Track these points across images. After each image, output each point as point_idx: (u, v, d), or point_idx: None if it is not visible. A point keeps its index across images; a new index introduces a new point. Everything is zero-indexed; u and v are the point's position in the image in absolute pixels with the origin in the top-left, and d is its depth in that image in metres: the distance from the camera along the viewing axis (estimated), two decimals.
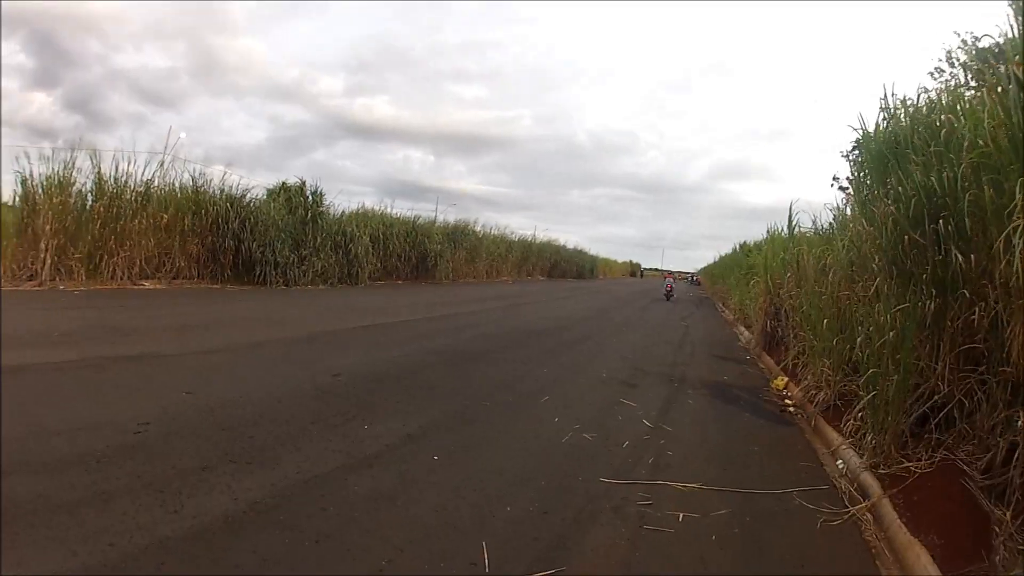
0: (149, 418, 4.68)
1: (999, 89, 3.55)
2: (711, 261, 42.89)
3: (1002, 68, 3.42)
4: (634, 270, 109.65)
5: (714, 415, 6.60)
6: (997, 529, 3.13)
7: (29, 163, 14.02)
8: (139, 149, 16.33)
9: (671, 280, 43.09)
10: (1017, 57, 3.37)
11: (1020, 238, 3.15)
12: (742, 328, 15.85)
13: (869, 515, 3.90)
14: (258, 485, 3.62)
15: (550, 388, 7.03)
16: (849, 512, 3.95)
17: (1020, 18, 3.65)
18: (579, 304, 22.77)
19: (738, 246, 22.20)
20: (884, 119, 5.45)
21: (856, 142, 6.50)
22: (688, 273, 69.61)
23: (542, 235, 50.14)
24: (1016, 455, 3.25)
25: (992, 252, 3.59)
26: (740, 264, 18.64)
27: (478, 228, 34.50)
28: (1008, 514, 3.13)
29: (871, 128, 5.63)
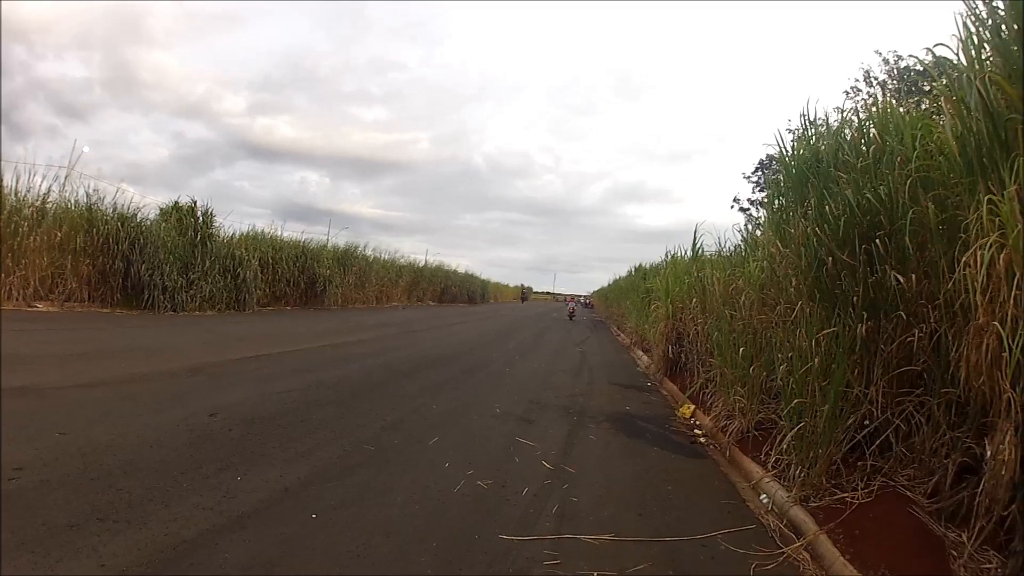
0: (23, 463, 4.33)
1: (954, 100, 3.42)
2: (605, 284, 44.08)
3: (965, 77, 3.28)
4: (524, 294, 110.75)
5: (620, 451, 6.24)
6: (955, 552, 3.00)
7: None
8: (43, 162, 15.50)
9: (572, 304, 45.88)
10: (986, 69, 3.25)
11: (974, 254, 3.01)
12: (639, 352, 15.87)
13: (806, 554, 3.65)
14: (125, 549, 3.25)
15: (441, 427, 6.51)
16: (783, 552, 3.68)
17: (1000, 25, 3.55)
18: (472, 330, 22.35)
19: (634, 269, 22.49)
20: (800, 137, 5.40)
21: (761, 163, 6.50)
22: (580, 296, 70.80)
23: (433, 259, 49.97)
24: (982, 477, 3.08)
25: (936, 271, 3.47)
26: (637, 288, 18.80)
27: (368, 252, 33.78)
28: (965, 535, 3.00)
29: (787, 147, 5.58)
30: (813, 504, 4.02)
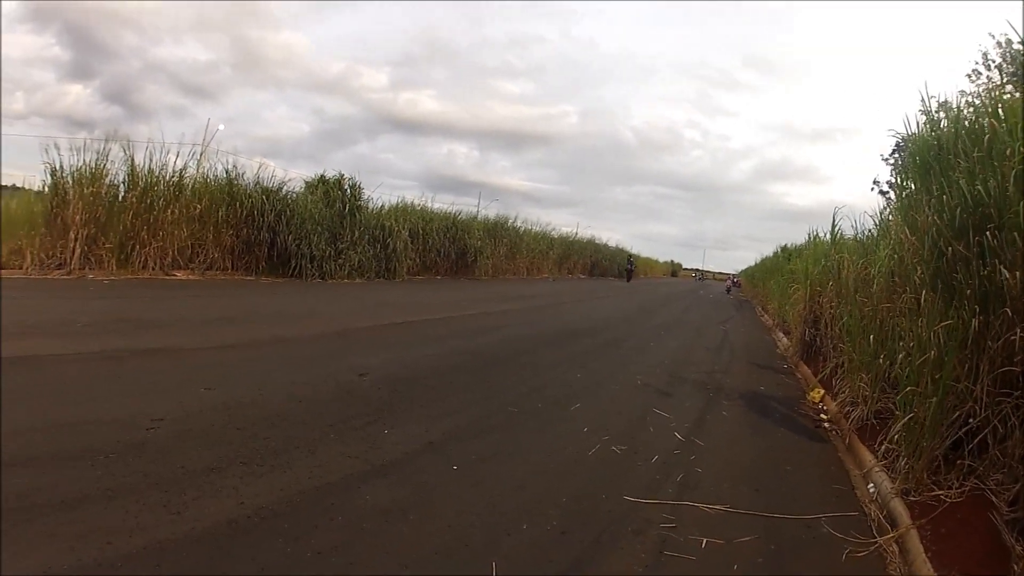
0: (163, 414, 4.64)
1: None
2: (752, 263, 42.51)
3: None
4: (674, 270, 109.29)
5: (748, 429, 6.35)
6: (1016, 567, 2.96)
7: (59, 154, 14.01)
8: (179, 140, 16.07)
9: (729, 281, 52.18)
10: None
11: None
12: (780, 334, 15.46)
13: (896, 547, 3.69)
14: (266, 490, 3.55)
15: (582, 394, 6.81)
16: (876, 543, 3.74)
17: None
18: (619, 304, 22.54)
19: (779, 249, 21.74)
20: (927, 121, 5.22)
21: (896, 145, 6.24)
22: (729, 274, 68.89)
23: (584, 232, 49.88)
24: None
25: None
26: (781, 269, 18.24)
27: (519, 224, 34.15)
28: None
29: (916, 130, 5.40)
30: (912, 498, 4.00)
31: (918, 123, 5.38)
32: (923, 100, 5.29)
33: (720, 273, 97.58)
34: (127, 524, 3.02)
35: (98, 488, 3.36)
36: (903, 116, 5.61)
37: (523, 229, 34.67)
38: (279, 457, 4.08)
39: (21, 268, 12.99)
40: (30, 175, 16.88)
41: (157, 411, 4.69)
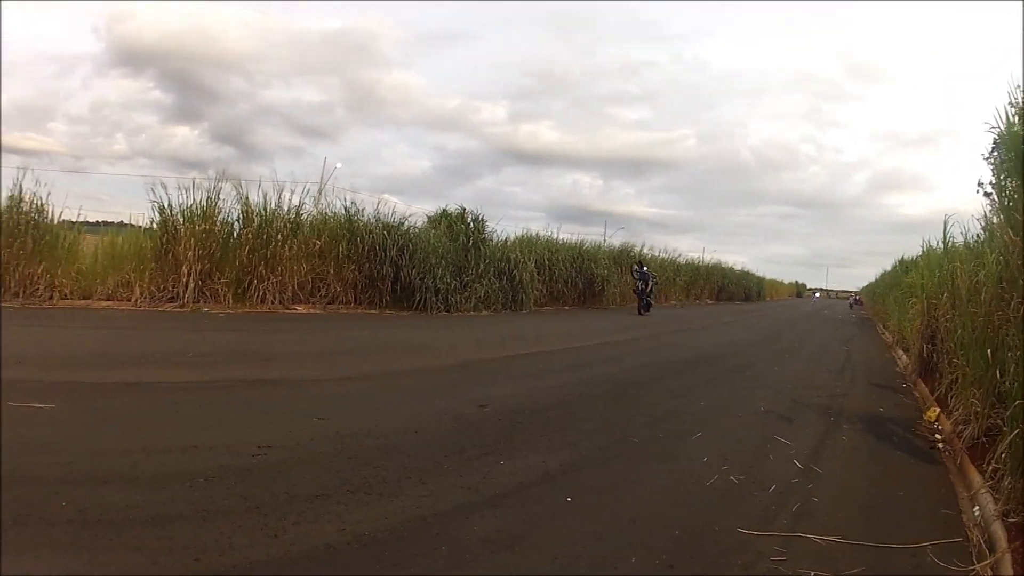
0: (272, 442, 4.78)
1: None
2: (872, 279, 40.62)
3: None
4: (799, 291, 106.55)
5: (866, 454, 6.11)
6: None
7: (167, 192, 14.89)
8: (296, 179, 17.29)
9: (852, 298, 48.96)
10: None
11: None
12: (900, 351, 14.64)
13: (990, 571, 3.48)
14: (371, 517, 3.62)
15: (704, 422, 6.73)
16: (973, 569, 3.55)
17: None
18: (744, 329, 22.10)
19: (897, 263, 20.69)
20: (1015, 115, 4.92)
21: (994, 142, 5.87)
22: (850, 292, 66.23)
23: (709, 256, 48.86)
24: None
25: None
26: (899, 283, 17.34)
27: (645, 251, 33.80)
28: None
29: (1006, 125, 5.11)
30: (1012, 519, 3.79)
31: (1007, 115, 5.09)
32: (1009, 92, 5.00)
33: (843, 291, 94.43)
34: (219, 543, 3.14)
35: (193, 508, 3.52)
36: (994, 110, 5.27)
37: (649, 256, 34.17)
38: (388, 486, 4.16)
39: (130, 300, 13.89)
40: (136, 212, 17.78)
41: (266, 439, 4.85)
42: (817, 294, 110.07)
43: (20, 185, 13.89)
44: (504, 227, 25.87)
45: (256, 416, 5.72)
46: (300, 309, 15.37)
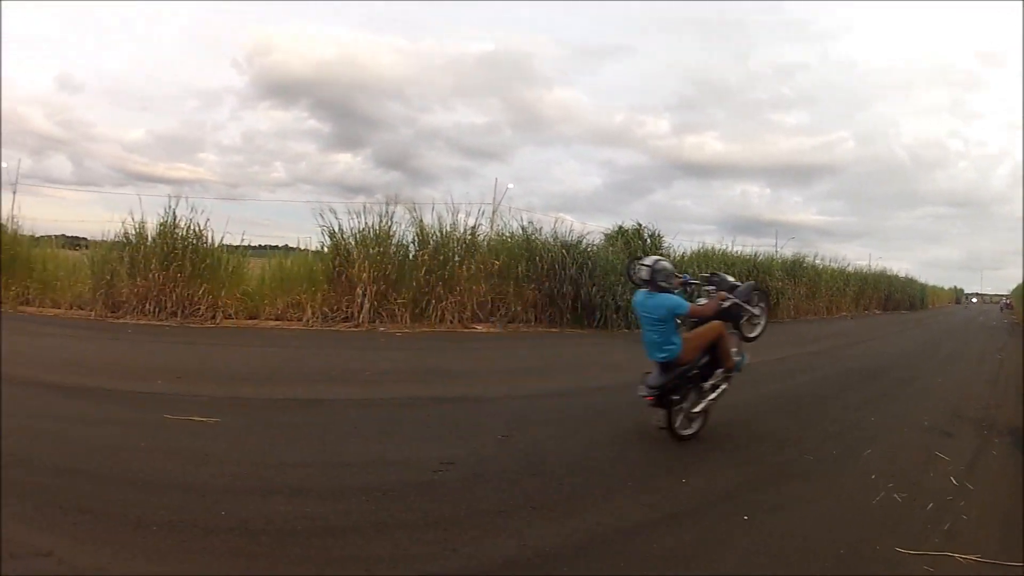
0: (455, 458, 4.88)
1: None
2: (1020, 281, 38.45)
3: None
4: (958, 296, 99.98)
5: (1014, 469, 5.90)
6: None
7: (336, 217, 15.35)
8: (468, 200, 17.76)
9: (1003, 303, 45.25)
10: None
11: None
12: None
13: None
14: (553, 534, 3.68)
15: (874, 439, 6.60)
16: None
17: None
18: (908, 339, 21.52)
19: None
20: None
21: None
22: (1001, 296, 61.55)
23: (875, 264, 45.95)
24: None
25: None
26: None
27: (816, 261, 32.33)
28: None
29: None
30: None
31: None
32: None
33: (995, 295, 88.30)
34: (393, 555, 3.28)
35: (369, 521, 3.67)
36: None
37: (820, 266, 32.81)
38: (572, 503, 4.22)
39: (301, 321, 14.43)
40: (299, 236, 19.08)
41: (449, 455, 4.97)
42: (974, 299, 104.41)
43: (173, 212, 14.99)
44: (679, 242, 25.18)
45: (439, 433, 5.86)
46: (480, 329, 15.41)
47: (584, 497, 4.33)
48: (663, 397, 5.71)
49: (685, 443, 5.85)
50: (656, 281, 5.92)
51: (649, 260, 6.06)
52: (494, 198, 17.56)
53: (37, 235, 17.76)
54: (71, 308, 15.44)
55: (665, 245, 20.27)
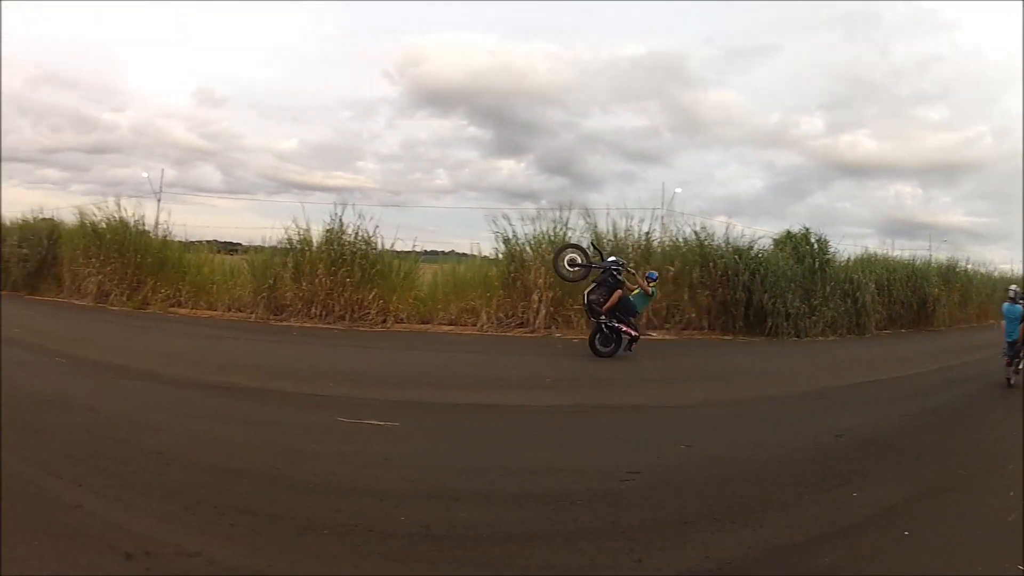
0: (640, 467, 4.93)
1: None
2: None
3: None
4: None
5: None
6: None
7: (509, 223, 15.60)
8: (635, 205, 17.15)
9: None
10: None
11: None
12: None
13: None
14: (734, 546, 3.69)
15: (1017, 455, 6.24)
16: None
17: None
18: None
19: None
20: None
21: None
22: None
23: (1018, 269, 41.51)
24: None
25: None
26: None
27: (967, 266, 29.33)
28: None
29: None
30: None
31: None
32: None
33: None
34: (580, 564, 3.30)
35: (555, 529, 3.71)
36: None
37: (972, 271, 29.77)
38: (751, 514, 4.23)
39: (475, 326, 14.77)
40: (464, 242, 19.58)
41: (634, 464, 5.02)
42: None
43: (340, 218, 15.66)
44: (843, 246, 23.79)
45: (623, 441, 5.95)
46: (655, 335, 15.24)
47: (763, 508, 4.35)
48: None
49: (854, 454, 5.88)
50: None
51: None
52: (662, 202, 17.48)
53: (188, 240, 19.25)
54: (228, 310, 16.37)
55: (831, 250, 19.57)
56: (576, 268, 11.91)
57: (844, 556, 3.71)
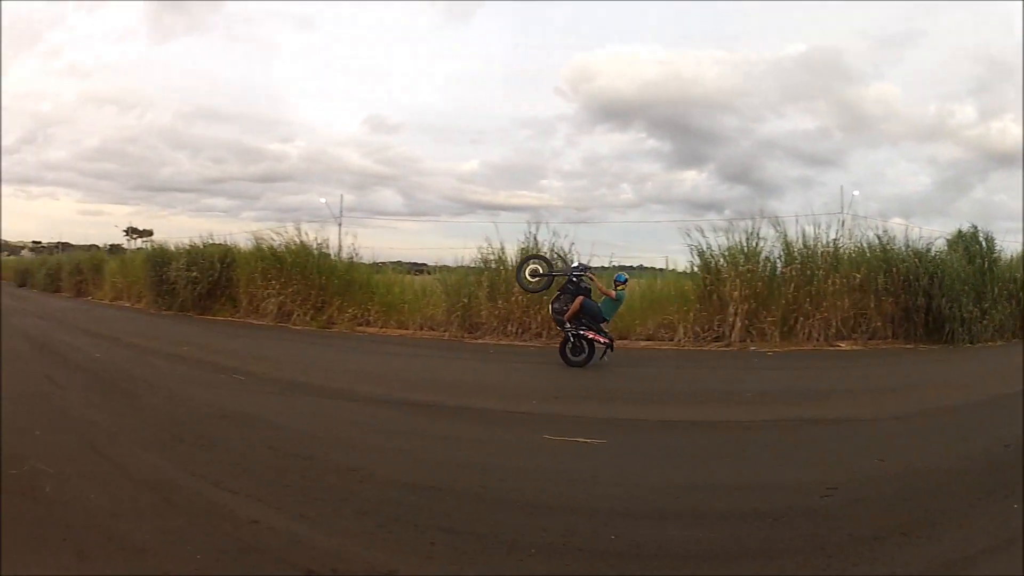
0: (838, 483, 4.93)
1: None
2: None
3: None
4: None
5: None
6: None
7: (703, 236, 15.54)
8: (814, 211, 16.71)
9: None
10: None
11: None
12: None
13: None
14: (918, 559, 3.72)
15: None
16: None
17: None
18: None
19: None
20: None
21: None
22: None
23: None
24: None
25: None
26: None
27: None
28: None
29: None
30: None
31: None
32: None
33: None
34: None
35: (759, 547, 3.78)
36: None
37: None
38: (934, 528, 4.22)
39: (672, 340, 14.77)
40: (669, 256, 19.27)
41: (832, 479, 5.02)
42: None
43: (534, 236, 15.92)
44: (1003, 243, 21.81)
45: (820, 456, 5.97)
46: (843, 346, 14.99)
47: (945, 522, 4.32)
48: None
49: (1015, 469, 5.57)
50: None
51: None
52: (842, 207, 17.04)
53: (375, 262, 19.87)
54: (420, 329, 16.77)
55: (997, 248, 17.78)
56: (537, 279, 12.21)
57: (999, 568, 3.71)
